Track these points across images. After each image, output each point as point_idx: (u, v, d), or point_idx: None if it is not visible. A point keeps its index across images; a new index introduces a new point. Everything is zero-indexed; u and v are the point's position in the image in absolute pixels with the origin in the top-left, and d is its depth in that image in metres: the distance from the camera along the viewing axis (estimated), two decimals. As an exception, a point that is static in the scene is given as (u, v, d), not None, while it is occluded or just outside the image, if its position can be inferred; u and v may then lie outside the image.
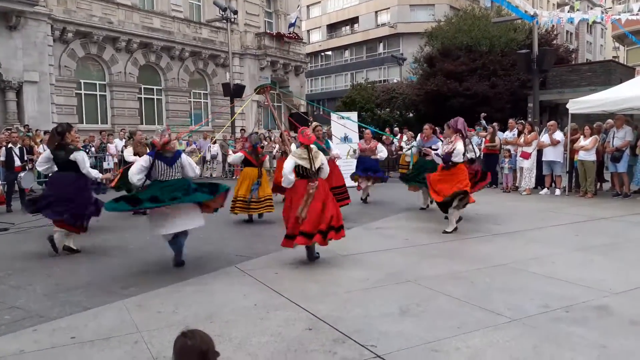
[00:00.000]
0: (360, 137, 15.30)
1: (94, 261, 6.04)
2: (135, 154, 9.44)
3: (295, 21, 28.99)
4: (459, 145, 7.14)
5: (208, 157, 17.98)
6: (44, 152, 6.73)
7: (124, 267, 5.75)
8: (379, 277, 5.10)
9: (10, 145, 10.89)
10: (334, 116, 15.08)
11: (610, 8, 26.39)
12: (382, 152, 10.56)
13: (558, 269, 5.25)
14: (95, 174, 6.50)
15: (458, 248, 6.42)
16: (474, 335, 3.60)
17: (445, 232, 7.15)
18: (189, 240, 7.13)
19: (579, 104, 11.41)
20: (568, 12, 18.02)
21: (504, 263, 5.56)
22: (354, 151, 10.72)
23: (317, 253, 5.76)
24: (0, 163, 10.96)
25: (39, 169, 6.55)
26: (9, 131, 13.16)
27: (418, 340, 3.54)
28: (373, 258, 5.95)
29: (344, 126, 13.76)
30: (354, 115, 15.77)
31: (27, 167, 10.91)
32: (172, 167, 5.51)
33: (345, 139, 13.77)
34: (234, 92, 19.93)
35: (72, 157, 6.23)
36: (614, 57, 40.31)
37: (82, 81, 21.17)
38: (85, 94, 21.40)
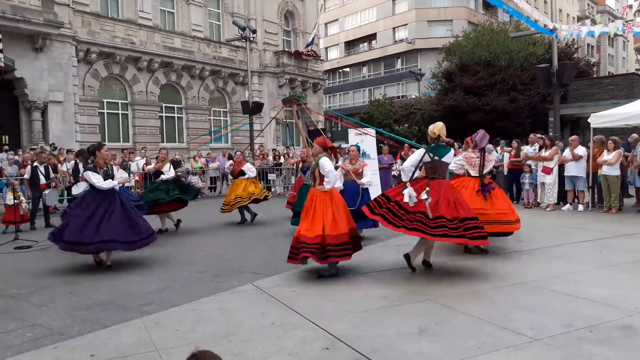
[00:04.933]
0: (379, 153, 15.30)
1: (113, 278, 6.11)
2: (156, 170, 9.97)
3: (312, 39, 29.26)
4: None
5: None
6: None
7: (143, 284, 5.80)
8: (398, 295, 5.04)
9: (36, 164, 11.17)
10: (351, 132, 15.08)
11: (632, 20, 26.09)
12: (367, 177, 8.05)
13: (581, 287, 5.13)
14: (107, 184, 6.57)
15: (478, 266, 6.32)
16: (495, 356, 3.52)
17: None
18: (207, 258, 7.20)
19: (601, 118, 11.23)
20: (589, 25, 17.84)
21: (525, 281, 5.45)
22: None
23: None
24: (25, 181, 11.22)
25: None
26: (33, 150, 13.49)
27: (437, 360, 3.48)
28: (391, 276, 5.90)
29: (368, 136, 13.77)
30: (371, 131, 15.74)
31: (51, 185, 11.17)
32: None
33: (363, 154, 13.74)
34: (253, 109, 20.16)
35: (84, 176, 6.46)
36: (636, 69, 39.75)
37: (105, 100, 21.62)
38: (107, 113, 21.83)
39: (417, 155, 5.98)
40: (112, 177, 6.73)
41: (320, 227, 5.69)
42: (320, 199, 5.88)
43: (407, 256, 5.98)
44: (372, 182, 7.86)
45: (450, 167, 6.74)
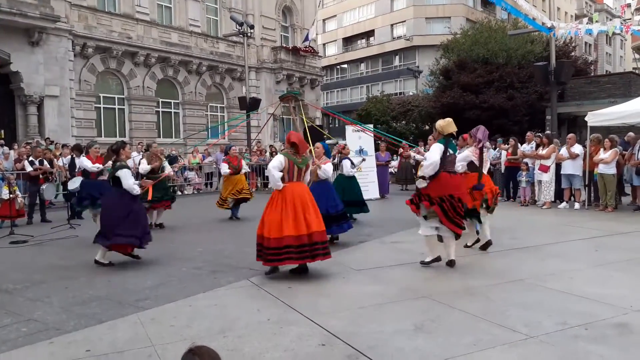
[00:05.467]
0: (376, 150, 15.32)
1: (109, 274, 6.10)
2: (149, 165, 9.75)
3: (308, 35, 29.12)
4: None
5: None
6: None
7: (139, 279, 5.79)
8: (394, 292, 5.05)
9: (31, 158, 11.13)
10: (349, 128, 15.08)
11: (630, 19, 26.09)
12: (324, 166, 7.15)
13: (577, 285, 5.15)
14: (137, 191, 6.52)
15: (474, 263, 6.34)
16: (490, 353, 3.53)
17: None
18: (204, 254, 7.19)
19: (598, 117, 11.26)
20: (587, 24, 17.81)
21: (520, 278, 5.47)
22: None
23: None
24: (23, 176, 11.17)
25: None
26: (29, 145, 13.41)
27: (433, 357, 3.49)
28: (387, 273, 5.91)
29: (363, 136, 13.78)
30: (369, 127, 15.73)
31: (49, 179, 11.14)
32: None
33: (361, 151, 13.76)
34: (250, 105, 20.12)
35: (117, 173, 6.38)
36: (634, 68, 39.78)
37: (101, 95, 21.55)
38: (104, 107, 21.76)
39: (438, 150, 5.90)
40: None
41: (263, 227, 5.56)
42: (274, 198, 5.61)
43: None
44: (328, 171, 7.19)
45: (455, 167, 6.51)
